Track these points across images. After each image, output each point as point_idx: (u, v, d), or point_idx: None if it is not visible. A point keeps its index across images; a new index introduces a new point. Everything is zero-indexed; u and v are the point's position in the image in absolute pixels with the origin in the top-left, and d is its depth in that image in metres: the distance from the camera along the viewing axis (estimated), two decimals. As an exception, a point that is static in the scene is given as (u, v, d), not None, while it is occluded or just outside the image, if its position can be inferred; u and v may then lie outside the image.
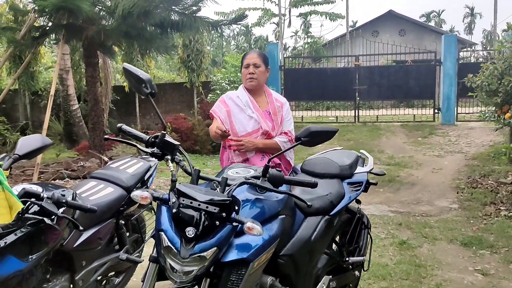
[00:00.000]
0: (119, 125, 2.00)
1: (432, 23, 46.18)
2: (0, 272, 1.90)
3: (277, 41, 21.89)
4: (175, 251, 1.58)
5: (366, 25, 27.66)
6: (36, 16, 7.65)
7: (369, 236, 2.93)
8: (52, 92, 6.82)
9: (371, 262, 3.73)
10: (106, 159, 7.77)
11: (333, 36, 27.20)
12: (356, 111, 12.68)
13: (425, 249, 4.13)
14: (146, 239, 3.31)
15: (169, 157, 1.83)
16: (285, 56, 14.68)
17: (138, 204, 3.11)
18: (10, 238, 1.96)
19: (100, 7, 7.82)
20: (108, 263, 2.83)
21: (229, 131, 2.61)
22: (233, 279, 1.70)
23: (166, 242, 1.60)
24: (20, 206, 1.79)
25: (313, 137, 1.88)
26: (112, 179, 2.89)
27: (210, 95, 11.03)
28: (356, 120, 12.61)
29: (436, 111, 12.25)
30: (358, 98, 12.60)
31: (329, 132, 1.94)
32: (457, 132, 10.90)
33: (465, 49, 12.55)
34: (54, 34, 7.88)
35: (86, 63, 7.98)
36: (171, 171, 1.77)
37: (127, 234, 3.09)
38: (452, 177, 7.04)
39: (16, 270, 1.97)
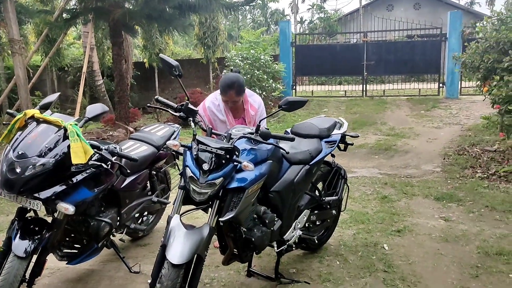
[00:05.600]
0: (156, 97, 2.81)
1: (450, -5, 45.37)
2: (77, 197, 2.77)
3: (293, 13, 22.31)
4: (196, 179, 2.41)
5: (381, -2, 27.72)
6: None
7: (345, 185, 3.73)
8: (84, 69, 7.66)
9: (355, 211, 4.60)
10: (131, 129, 8.68)
11: (351, 9, 27.22)
12: (364, 85, 13.29)
13: (403, 202, 4.92)
14: (171, 187, 4.19)
15: (191, 118, 2.65)
16: (296, 32, 15.20)
17: (165, 160, 3.98)
18: (82, 175, 2.82)
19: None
20: (143, 204, 3.71)
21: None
22: (234, 200, 2.52)
23: (190, 173, 2.43)
24: (91, 151, 2.65)
25: (291, 105, 2.66)
26: (146, 139, 3.75)
27: (224, 71, 11.80)
28: (364, 94, 13.24)
29: (441, 85, 12.79)
30: (366, 73, 13.19)
31: (302, 101, 2.71)
32: (459, 106, 11.45)
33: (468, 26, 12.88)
34: (83, 16, 8.68)
35: (112, 43, 8.79)
36: (192, 128, 2.58)
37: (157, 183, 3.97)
38: (444, 146, 7.73)
39: (86, 197, 2.84)
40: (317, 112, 11.53)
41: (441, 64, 12.81)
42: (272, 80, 11.33)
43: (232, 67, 4.35)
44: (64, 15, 8.56)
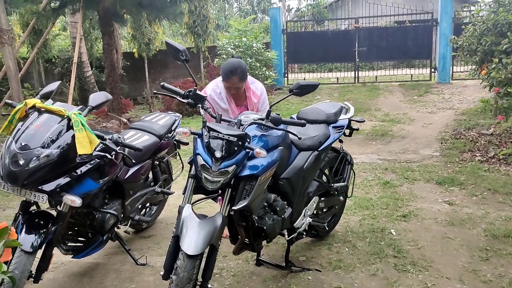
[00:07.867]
0: (162, 83, 2.71)
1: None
2: (82, 189, 2.68)
3: (280, 2, 22.11)
4: (208, 167, 2.32)
5: (369, -15, 27.53)
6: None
7: (352, 170, 3.68)
8: (75, 60, 7.50)
9: (358, 197, 4.56)
10: (124, 120, 8.54)
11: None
12: (356, 72, 13.23)
13: (405, 187, 4.90)
14: (174, 178, 4.11)
15: (200, 105, 2.55)
16: (287, 19, 15.07)
17: (167, 150, 3.89)
18: (86, 166, 2.73)
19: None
20: (147, 195, 3.62)
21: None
22: (247, 188, 2.45)
23: (201, 161, 2.34)
24: (97, 141, 2.55)
25: (302, 89, 2.58)
26: (147, 129, 3.65)
27: (216, 59, 11.65)
28: (356, 81, 13.19)
29: (432, 70, 12.79)
30: (357, 60, 13.13)
31: (314, 85, 2.64)
32: (451, 90, 11.47)
33: (462, 10, 12.94)
34: (71, 5, 8.47)
35: (102, 32, 8.60)
36: (201, 115, 2.49)
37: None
38: (440, 131, 7.73)
39: (91, 189, 2.74)
40: (310, 100, 11.45)
41: (433, 49, 12.80)
42: (265, 68, 11.23)
43: (233, 54, 4.24)
44: (52, 4, 8.33)
